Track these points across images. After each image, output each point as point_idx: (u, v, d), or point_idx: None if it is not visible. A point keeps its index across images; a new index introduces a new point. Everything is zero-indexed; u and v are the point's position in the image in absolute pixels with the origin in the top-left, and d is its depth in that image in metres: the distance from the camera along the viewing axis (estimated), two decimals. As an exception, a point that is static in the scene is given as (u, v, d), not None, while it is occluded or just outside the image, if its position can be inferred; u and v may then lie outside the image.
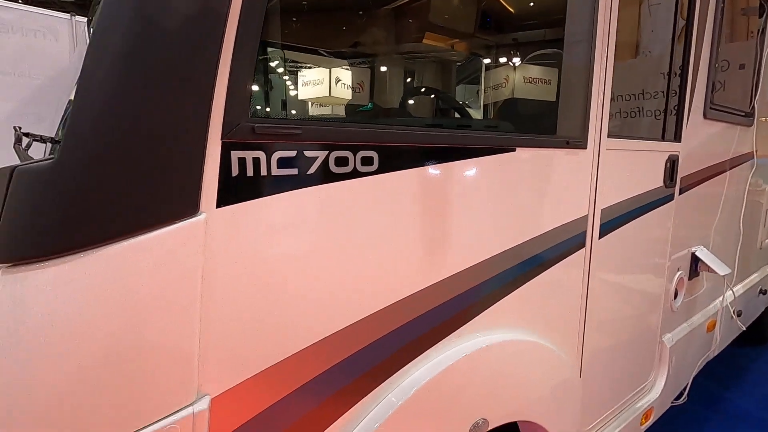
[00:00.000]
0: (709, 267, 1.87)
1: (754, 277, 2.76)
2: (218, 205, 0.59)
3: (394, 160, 0.76)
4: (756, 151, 2.23)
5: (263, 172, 0.62)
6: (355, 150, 0.71)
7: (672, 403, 1.93)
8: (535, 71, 2.76)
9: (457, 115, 1.98)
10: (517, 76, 2.86)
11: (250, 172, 0.61)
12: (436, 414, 0.90)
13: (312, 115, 4.13)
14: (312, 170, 0.67)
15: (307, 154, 0.66)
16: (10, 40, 2.24)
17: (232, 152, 0.59)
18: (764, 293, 2.83)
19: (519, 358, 1.09)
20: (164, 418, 0.57)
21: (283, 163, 0.64)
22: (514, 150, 0.99)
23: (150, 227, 0.53)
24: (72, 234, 0.51)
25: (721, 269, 1.86)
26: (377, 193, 0.76)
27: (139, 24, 0.53)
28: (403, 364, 0.84)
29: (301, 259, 0.69)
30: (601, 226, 1.30)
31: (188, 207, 0.56)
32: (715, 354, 2.40)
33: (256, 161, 0.61)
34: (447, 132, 1.04)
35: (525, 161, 1.05)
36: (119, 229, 0.52)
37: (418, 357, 0.86)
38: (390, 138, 0.79)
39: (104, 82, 0.52)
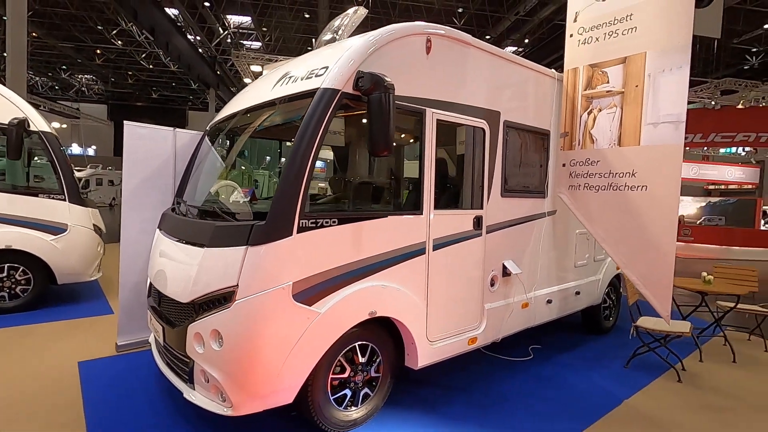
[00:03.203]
0: (510, 271, 3.72)
1: (572, 283, 4.62)
2: (297, 233, 2.38)
3: (342, 221, 2.58)
4: (547, 212, 4.16)
5: (306, 225, 2.42)
6: (330, 218, 2.53)
7: (493, 341, 3.71)
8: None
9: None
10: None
11: (303, 225, 2.41)
12: (360, 301, 2.67)
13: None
14: (317, 224, 2.48)
15: (317, 220, 2.47)
16: (142, 143, 4.04)
17: (300, 220, 2.39)
18: (578, 294, 4.69)
19: (393, 293, 2.87)
20: (284, 284, 2.34)
21: (311, 223, 2.44)
22: (387, 217, 2.83)
23: (282, 238, 2.32)
24: (265, 239, 2.30)
25: (515, 270, 3.71)
26: (337, 232, 2.57)
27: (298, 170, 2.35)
28: (351, 282, 2.61)
29: (313, 244, 2.48)
30: (433, 246, 3.13)
31: (290, 233, 2.35)
32: (535, 323, 4.20)
33: (305, 222, 2.41)
34: (361, 212, 2.88)
35: (394, 220, 2.88)
36: (275, 238, 2.30)
37: (356, 282, 2.64)
38: (339, 215, 2.62)
39: (284, 195, 2.34)
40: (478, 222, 3.45)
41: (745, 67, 20.07)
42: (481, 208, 3.49)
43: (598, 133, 3.86)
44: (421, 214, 3.03)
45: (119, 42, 24.14)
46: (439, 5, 17.37)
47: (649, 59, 3.50)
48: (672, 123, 3.38)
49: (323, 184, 3.99)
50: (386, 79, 2.48)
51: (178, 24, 20.10)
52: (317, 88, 2.52)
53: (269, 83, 3.12)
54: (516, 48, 20.54)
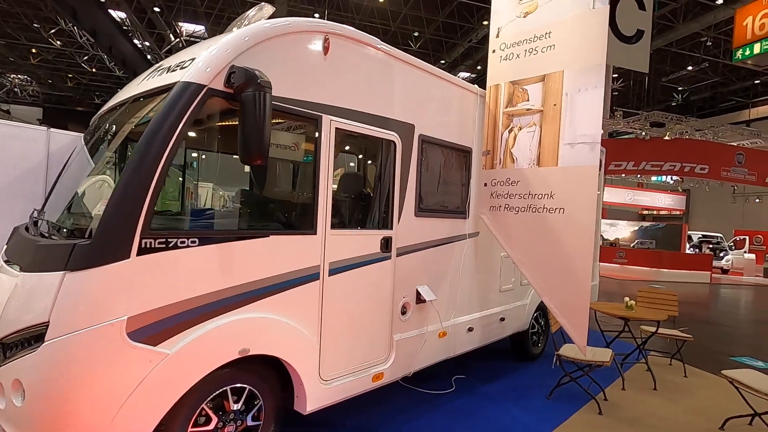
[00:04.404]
0: (424, 297, 3.41)
1: (496, 309, 4.40)
2: (137, 255, 1.92)
3: (204, 241, 2.16)
4: (468, 234, 3.93)
5: (152, 245, 1.98)
6: (188, 237, 2.10)
7: (404, 375, 3.35)
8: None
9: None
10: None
11: (148, 245, 1.96)
12: (228, 338, 2.22)
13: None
14: (168, 244, 2.04)
15: (169, 239, 2.04)
16: (12, 144, 3.43)
17: (143, 239, 1.94)
18: (503, 320, 4.47)
19: (273, 326, 2.45)
20: (114, 320, 1.87)
21: (159, 242, 2.00)
22: (268, 236, 2.43)
23: (114, 261, 1.87)
24: (90, 262, 1.83)
25: (429, 296, 3.41)
26: (197, 254, 2.14)
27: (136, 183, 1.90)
28: (216, 315, 2.17)
29: (162, 268, 2.03)
30: (330, 270, 2.76)
31: (126, 255, 1.90)
32: (456, 354, 3.90)
33: (151, 242, 1.97)
34: (232, 230, 2.47)
35: (278, 240, 2.49)
36: (104, 262, 1.84)
37: (222, 315, 2.20)
38: (201, 234, 2.19)
39: (119, 207, 1.88)
40: (386, 244, 3.13)
41: (673, 104, 21.90)
42: (390, 228, 3.18)
43: (518, 152, 3.70)
44: (315, 233, 2.66)
45: (58, 42, 22.43)
46: (396, 28, 17.55)
47: (567, 78, 3.40)
48: (587, 144, 3.27)
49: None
50: (262, 76, 2.13)
51: (124, 27, 18.98)
52: (176, 82, 2.12)
53: (142, 77, 2.68)
54: (469, 74, 21.11)
